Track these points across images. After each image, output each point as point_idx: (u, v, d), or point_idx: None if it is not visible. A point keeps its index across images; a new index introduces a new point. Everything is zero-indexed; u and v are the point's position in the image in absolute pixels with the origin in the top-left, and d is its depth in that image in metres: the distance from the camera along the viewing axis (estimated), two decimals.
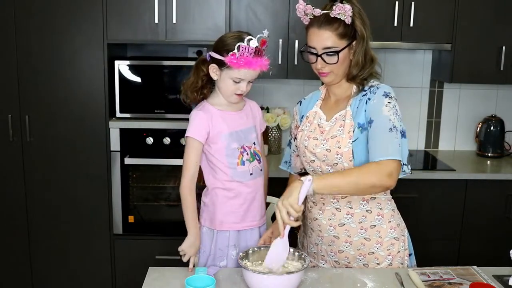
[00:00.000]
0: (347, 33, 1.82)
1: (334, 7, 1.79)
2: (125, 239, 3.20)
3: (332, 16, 1.79)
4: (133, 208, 3.19)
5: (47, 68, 3.03)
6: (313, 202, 1.96)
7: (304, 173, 2.12)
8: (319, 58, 1.84)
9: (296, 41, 3.19)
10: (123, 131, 3.09)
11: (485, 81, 3.37)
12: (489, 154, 3.53)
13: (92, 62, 3.02)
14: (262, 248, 1.83)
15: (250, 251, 1.82)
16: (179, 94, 2.05)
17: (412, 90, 3.61)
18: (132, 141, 3.10)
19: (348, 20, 1.80)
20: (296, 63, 3.22)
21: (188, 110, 3.13)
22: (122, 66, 3.08)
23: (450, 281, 1.78)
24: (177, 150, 2.93)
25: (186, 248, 1.96)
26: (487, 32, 3.21)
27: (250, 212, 2.03)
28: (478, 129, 3.58)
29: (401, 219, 1.99)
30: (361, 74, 1.88)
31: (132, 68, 3.09)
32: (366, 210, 1.89)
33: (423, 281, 1.76)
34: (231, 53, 1.86)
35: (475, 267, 1.90)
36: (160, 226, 3.19)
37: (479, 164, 3.41)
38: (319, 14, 1.82)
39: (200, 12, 3.02)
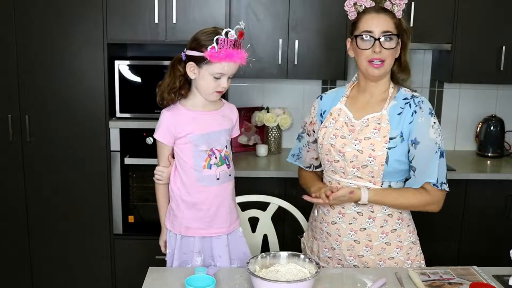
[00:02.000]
0: (399, 26, 1.84)
1: (387, 1, 1.83)
2: (125, 239, 3.20)
3: (386, 7, 1.83)
4: (133, 208, 3.19)
5: (47, 68, 3.03)
6: (331, 206, 1.91)
7: (314, 167, 2.13)
8: (377, 42, 1.80)
9: (296, 41, 3.18)
10: (123, 131, 3.09)
11: (485, 81, 3.37)
12: (489, 154, 3.53)
13: (92, 62, 3.02)
14: (271, 254, 1.81)
15: (259, 257, 1.79)
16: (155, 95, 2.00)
17: None
18: (132, 141, 3.10)
19: (399, 14, 1.83)
20: (296, 63, 3.21)
21: None
22: (122, 66, 3.08)
23: (450, 281, 1.78)
24: None
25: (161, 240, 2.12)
26: (487, 32, 3.21)
27: (217, 218, 1.99)
28: (478, 129, 3.58)
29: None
30: (404, 77, 1.91)
31: (132, 68, 3.09)
32: (388, 215, 1.88)
33: (423, 281, 1.76)
34: (210, 47, 1.81)
35: (475, 267, 1.90)
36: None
37: (479, 164, 3.41)
38: (371, 6, 1.83)
39: (200, 12, 3.02)
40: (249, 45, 1.95)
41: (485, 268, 1.89)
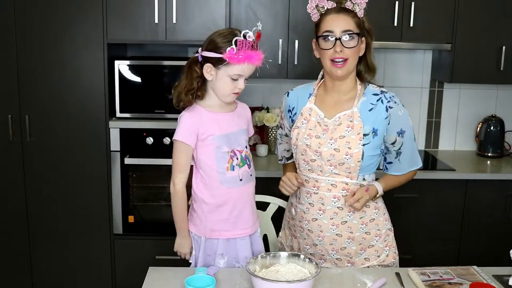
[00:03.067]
0: (360, 25, 1.89)
1: (348, 1, 1.88)
2: (125, 239, 3.20)
3: (347, 7, 1.88)
4: (133, 208, 3.19)
5: (47, 68, 3.03)
6: (310, 204, 1.95)
7: (285, 160, 2.23)
8: (338, 42, 1.85)
9: (296, 41, 3.18)
10: (123, 131, 3.09)
11: (485, 81, 3.36)
12: (489, 154, 3.53)
13: (92, 62, 3.02)
14: (271, 255, 1.82)
15: (259, 258, 1.79)
16: (170, 97, 1.99)
17: (412, 90, 3.61)
18: (132, 141, 3.10)
19: (360, 13, 1.88)
20: (296, 63, 3.21)
21: None
22: (122, 66, 3.08)
23: (450, 281, 1.78)
24: None
25: (177, 248, 2.02)
26: (487, 32, 3.21)
27: (241, 219, 1.99)
28: (478, 129, 3.58)
29: None
30: (369, 77, 1.96)
31: (132, 68, 3.09)
32: (366, 205, 1.93)
33: (423, 281, 1.76)
34: (229, 48, 1.82)
35: (475, 267, 1.90)
36: (160, 226, 3.19)
37: (479, 164, 3.41)
38: (332, 6, 1.89)
39: (200, 12, 3.02)
40: (266, 47, 1.96)
41: (485, 268, 1.89)
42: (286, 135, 2.15)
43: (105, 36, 3.00)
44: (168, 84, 3.11)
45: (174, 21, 3.00)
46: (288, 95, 2.11)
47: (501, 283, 1.77)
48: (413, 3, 3.14)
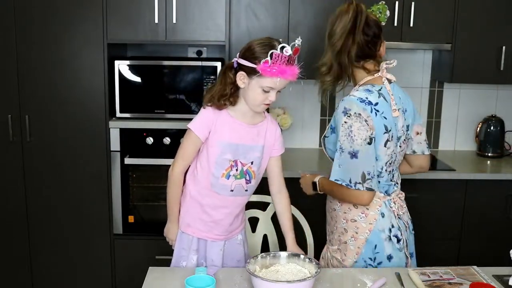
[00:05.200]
0: None
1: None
2: (125, 239, 3.20)
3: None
4: (133, 208, 3.19)
5: (47, 68, 3.03)
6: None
7: None
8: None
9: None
10: (123, 131, 3.09)
11: (485, 81, 3.36)
12: (489, 154, 3.53)
13: (92, 62, 3.02)
14: (271, 255, 1.82)
15: (259, 257, 1.79)
16: (200, 100, 1.99)
17: (412, 90, 3.60)
18: (132, 141, 3.10)
19: None
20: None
21: (188, 110, 3.14)
22: (122, 66, 3.08)
23: (450, 281, 1.78)
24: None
25: (166, 233, 2.07)
26: (487, 32, 3.21)
27: (218, 227, 2.00)
28: (478, 129, 3.58)
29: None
30: None
31: (132, 68, 3.09)
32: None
33: (423, 281, 1.76)
34: (263, 60, 1.78)
35: (475, 267, 1.90)
36: (160, 226, 3.15)
37: (479, 164, 3.41)
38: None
39: (200, 12, 3.02)
40: (302, 63, 1.95)
41: (485, 268, 1.89)
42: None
43: (105, 36, 3.00)
44: (168, 84, 3.13)
45: (174, 21, 3.00)
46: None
47: (501, 283, 1.77)
48: (413, 3, 3.14)
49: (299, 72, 1.86)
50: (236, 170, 1.93)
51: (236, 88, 1.91)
